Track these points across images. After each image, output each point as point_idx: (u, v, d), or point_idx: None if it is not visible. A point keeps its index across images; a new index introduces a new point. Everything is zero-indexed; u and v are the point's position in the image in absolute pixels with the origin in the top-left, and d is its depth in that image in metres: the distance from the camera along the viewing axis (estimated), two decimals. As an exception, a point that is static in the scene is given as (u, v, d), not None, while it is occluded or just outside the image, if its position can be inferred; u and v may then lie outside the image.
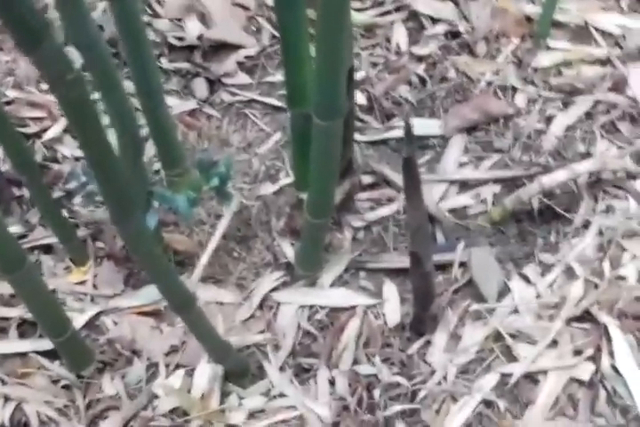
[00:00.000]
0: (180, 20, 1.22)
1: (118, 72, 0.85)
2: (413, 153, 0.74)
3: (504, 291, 0.97)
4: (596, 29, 1.19)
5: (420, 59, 1.17)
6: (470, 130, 1.11)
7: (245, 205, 1.06)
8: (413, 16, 1.22)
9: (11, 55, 1.20)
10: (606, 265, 0.98)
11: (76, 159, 1.11)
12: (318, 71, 0.76)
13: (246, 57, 1.19)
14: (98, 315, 1.00)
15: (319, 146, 0.84)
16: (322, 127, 0.81)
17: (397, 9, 1.23)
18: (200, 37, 1.20)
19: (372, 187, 1.06)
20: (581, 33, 1.20)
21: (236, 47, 1.20)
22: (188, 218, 0.97)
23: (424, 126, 1.11)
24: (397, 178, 1.04)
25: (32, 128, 1.14)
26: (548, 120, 1.11)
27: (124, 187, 0.71)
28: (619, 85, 1.13)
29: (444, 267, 0.99)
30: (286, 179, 1.08)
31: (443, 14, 1.21)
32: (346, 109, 0.81)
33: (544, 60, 1.16)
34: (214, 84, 1.18)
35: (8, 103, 1.15)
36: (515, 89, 1.14)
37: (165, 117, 0.99)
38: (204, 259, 0.99)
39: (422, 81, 1.16)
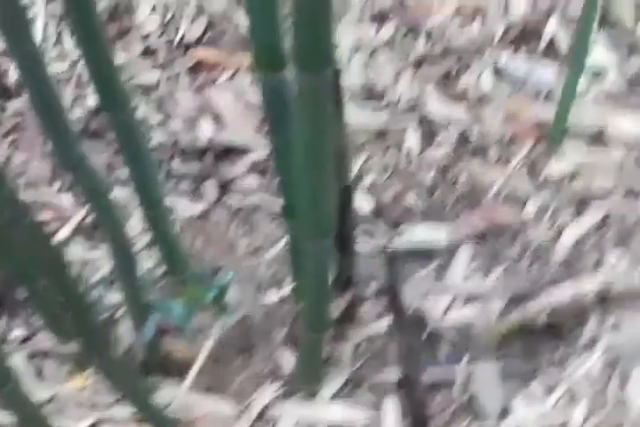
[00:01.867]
0: (192, 121, 1.23)
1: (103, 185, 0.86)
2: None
3: (506, 409, 0.95)
4: (612, 135, 1.18)
5: (430, 164, 1.16)
6: (479, 238, 1.10)
7: (247, 314, 1.05)
8: (425, 118, 1.21)
9: (25, 155, 1.21)
10: (612, 386, 0.95)
11: (86, 263, 1.11)
12: (303, 195, 0.76)
13: (257, 160, 1.19)
14: (95, 424, 0.99)
15: (308, 263, 0.83)
16: (310, 247, 0.80)
17: (410, 109, 1.22)
18: (211, 140, 1.20)
19: (375, 297, 1.05)
20: (597, 138, 1.18)
21: (246, 150, 1.20)
22: (185, 327, 0.97)
23: (432, 233, 1.10)
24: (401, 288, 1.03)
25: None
26: (559, 230, 1.09)
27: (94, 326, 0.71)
28: (633, 193, 1.11)
29: (444, 384, 0.97)
30: (290, 286, 1.07)
31: (455, 117, 1.20)
32: (334, 231, 0.80)
33: (557, 166, 1.15)
34: (224, 187, 1.18)
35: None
36: (526, 197, 1.12)
37: (168, 225, 0.99)
38: (196, 367, 0.99)
39: (432, 187, 1.15)
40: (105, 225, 0.89)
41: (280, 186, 0.88)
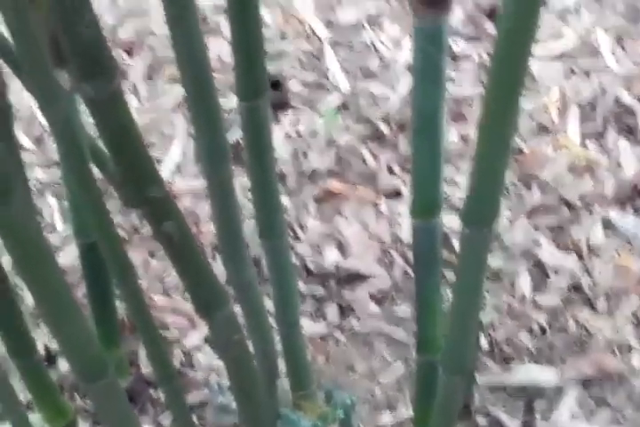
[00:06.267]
0: (318, 246, 1.32)
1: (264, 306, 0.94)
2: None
3: None
4: None
5: (541, 307, 1.24)
6: (585, 383, 1.16)
7: (365, 434, 1.12)
8: (538, 264, 1.29)
9: (163, 263, 1.30)
10: None
11: (212, 369, 1.18)
12: (451, 335, 0.83)
13: (377, 288, 1.27)
14: None
15: (442, 396, 0.89)
16: (447, 381, 0.87)
17: (523, 254, 1.31)
18: (336, 265, 1.29)
19: (487, 427, 1.12)
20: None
21: (368, 277, 1.28)
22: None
23: (540, 373, 1.17)
24: (513, 424, 1.10)
25: (172, 333, 1.23)
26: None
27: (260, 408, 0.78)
28: None
29: None
30: (406, 411, 1.14)
31: (566, 265, 1.28)
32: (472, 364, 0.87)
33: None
34: (345, 310, 1.26)
35: (154, 308, 1.24)
36: (631, 348, 1.19)
37: (298, 339, 1.06)
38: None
39: (542, 330, 1.22)
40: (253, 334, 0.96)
41: (419, 321, 0.95)
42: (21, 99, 1.34)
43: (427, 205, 0.84)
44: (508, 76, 0.62)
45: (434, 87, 0.74)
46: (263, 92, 0.80)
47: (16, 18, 0.65)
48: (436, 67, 0.71)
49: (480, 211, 0.73)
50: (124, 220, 1.34)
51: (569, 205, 1.35)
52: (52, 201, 1.40)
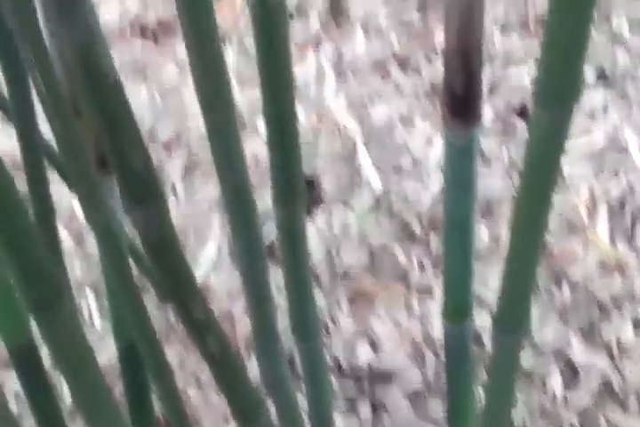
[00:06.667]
0: (351, 343, 1.33)
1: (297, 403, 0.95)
2: None
3: None
4: None
5: (572, 407, 1.25)
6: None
7: None
8: (568, 363, 1.30)
9: (198, 358, 1.31)
10: None
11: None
12: (484, 426, 0.84)
13: (410, 386, 1.28)
14: None
15: None
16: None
17: (554, 352, 1.31)
18: (368, 363, 1.30)
19: None
20: None
21: (400, 376, 1.29)
22: None
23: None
24: None
25: (205, 431, 1.24)
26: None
27: None
28: None
29: None
30: None
31: (597, 364, 1.29)
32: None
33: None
34: (378, 408, 1.27)
35: (188, 405, 1.25)
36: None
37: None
38: None
39: (574, 428, 1.23)
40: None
41: (451, 421, 0.96)
42: (61, 194, 1.38)
43: (458, 308, 0.86)
44: (540, 178, 0.64)
45: (465, 195, 0.76)
46: (299, 195, 0.83)
47: (62, 126, 0.69)
48: (466, 176, 0.74)
49: (512, 314, 0.75)
50: (160, 315, 1.37)
51: (599, 303, 1.37)
52: (90, 297, 1.42)
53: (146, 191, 0.54)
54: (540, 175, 0.64)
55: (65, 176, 0.86)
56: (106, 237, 0.84)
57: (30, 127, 0.78)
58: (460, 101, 0.67)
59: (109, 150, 0.52)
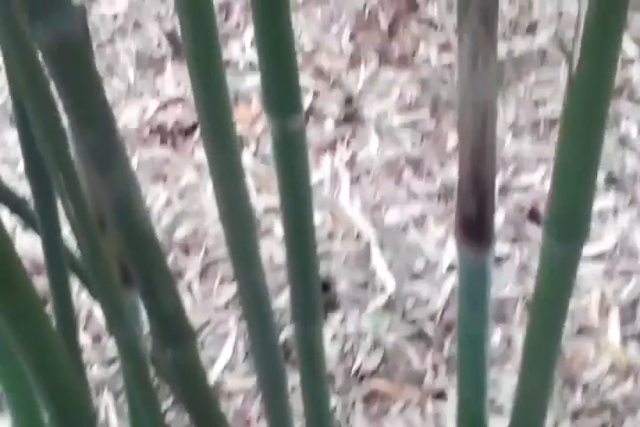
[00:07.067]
0: None
1: None
2: None
3: None
4: None
5: None
6: None
7: None
8: None
9: None
10: None
11: None
12: None
13: None
14: None
15: None
16: None
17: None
18: None
19: None
20: None
21: None
22: None
23: None
24: None
25: None
26: None
27: None
28: None
29: None
30: None
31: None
32: None
33: None
34: None
35: None
36: None
37: None
38: None
39: None
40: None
41: None
42: (80, 298, 1.42)
43: (472, 418, 0.88)
44: (552, 309, 0.66)
45: (478, 311, 0.79)
46: (316, 299, 0.84)
47: (88, 244, 0.71)
48: (480, 294, 0.76)
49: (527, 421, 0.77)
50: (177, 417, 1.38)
51: (612, 407, 1.38)
52: (107, 397, 1.44)
53: (176, 333, 0.57)
54: (553, 304, 0.67)
55: (86, 282, 0.88)
56: (129, 346, 0.86)
57: (54, 231, 0.81)
58: (472, 225, 0.70)
59: (142, 294, 0.55)
